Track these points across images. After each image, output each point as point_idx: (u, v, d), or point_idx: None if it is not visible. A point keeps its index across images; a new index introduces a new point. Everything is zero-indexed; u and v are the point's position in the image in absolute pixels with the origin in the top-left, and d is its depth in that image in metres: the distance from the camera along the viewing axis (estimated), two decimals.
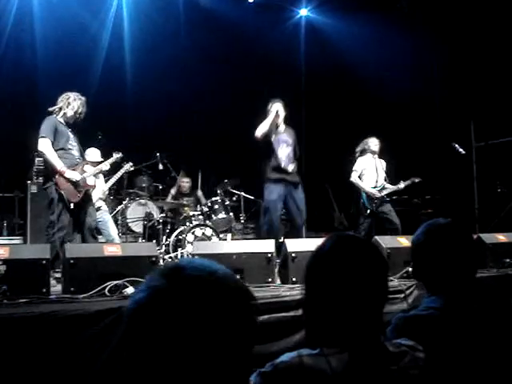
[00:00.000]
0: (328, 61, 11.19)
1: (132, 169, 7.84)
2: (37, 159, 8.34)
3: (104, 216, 7.27)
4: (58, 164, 5.86)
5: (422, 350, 1.65)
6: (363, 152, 8.27)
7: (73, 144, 6.09)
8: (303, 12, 12.51)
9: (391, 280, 5.24)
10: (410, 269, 5.07)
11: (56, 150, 5.91)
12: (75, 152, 6.11)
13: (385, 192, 8.09)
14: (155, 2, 10.44)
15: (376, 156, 8.22)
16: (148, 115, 10.33)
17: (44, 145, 5.87)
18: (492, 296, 2.11)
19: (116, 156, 6.97)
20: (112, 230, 7.27)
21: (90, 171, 6.29)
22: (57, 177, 5.86)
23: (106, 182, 7.78)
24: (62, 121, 6.05)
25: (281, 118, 7.22)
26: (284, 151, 7.19)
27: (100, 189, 7.40)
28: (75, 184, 5.93)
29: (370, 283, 1.61)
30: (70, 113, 6.04)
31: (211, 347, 1.04)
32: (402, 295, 4.87)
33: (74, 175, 5.92)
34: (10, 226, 9.21)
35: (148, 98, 10.21)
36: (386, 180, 8.22)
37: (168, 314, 1.04)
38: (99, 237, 7.08)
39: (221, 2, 10.90)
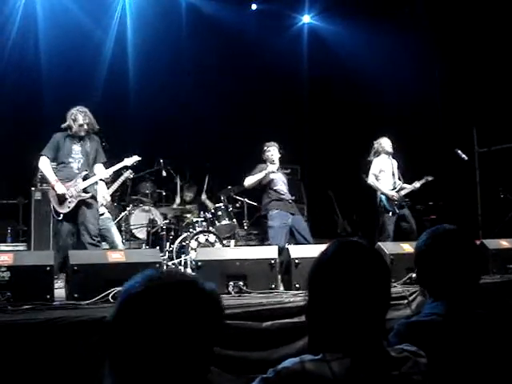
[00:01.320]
0: (331, 67, 11.20)
1: (131, 176, 7.88)
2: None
3: (107, 223, 7.27)
4: (51, 178, 6.37)
5: (425, 356, 1.65)
6: (377, 153, 8.19)
7: (75, 157, 6.48)
8: (306, 19, 12.53)
9: (394, 286, 5.25)
10: (414, 275, 5.07)
11: (59, 163, 6.46)
12: (75, 165, 6.48)
13: (403, 192, 8.05)
14: (158, 10, 10.48)
15: (390, 156, 8.18)
16: (151, 122, 10.36)
17: (41, 162, 6.42)
18: (495, 302, 2.11)
19: (125, 176, 7.64)
20: (115, 236, 7.26)
21: (84, 184, 6.50)
22: (50, 189, 6.45)
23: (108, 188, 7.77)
24: (71, 134, 6.47)
25: (276, 162, 7.64)
26: (283, 187, 7.63)
27: (100, 196, 7.40)
28: (63, 196, 6.31)
29: (373, 289, 1.61)
30: (75, 127, 6.42)
31: (176, 345, 1.22)
32: (405, 301, 4.86)
33: (59, 189, 6.30)
34: (13, 232, 9.23)
35: (151, 104, 10.23)
36: (401, 180, 8.18)
37: (140, 317, 1.22)
38: (103, 243, 7.11)
39: (223, 9, 10.94)
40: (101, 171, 6.70)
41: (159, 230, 8.45)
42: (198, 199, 9.62)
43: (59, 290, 4.88)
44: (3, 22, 9.54)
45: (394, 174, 8.13)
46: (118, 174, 7.57)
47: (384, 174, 8.12)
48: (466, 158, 8.62)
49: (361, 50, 10.78)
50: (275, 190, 7.52)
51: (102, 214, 7.25)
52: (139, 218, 8.69)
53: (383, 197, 8.02)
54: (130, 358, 1.23)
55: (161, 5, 10.58)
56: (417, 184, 8.17)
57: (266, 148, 7.66)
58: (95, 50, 10.30)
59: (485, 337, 1.98)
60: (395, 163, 8.22)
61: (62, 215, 6.30)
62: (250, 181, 7.56)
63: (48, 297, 4.34)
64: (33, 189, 8.36)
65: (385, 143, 8.16)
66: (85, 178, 6.45)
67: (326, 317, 1.62)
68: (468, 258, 2.14)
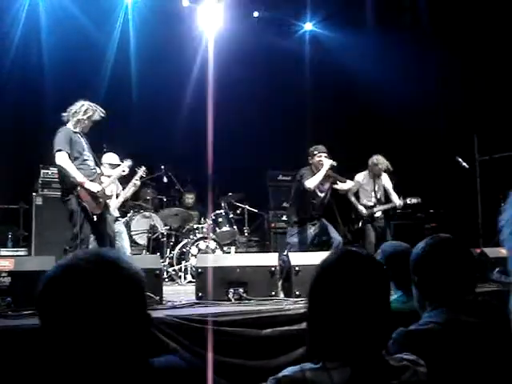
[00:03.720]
0: (332, 75, 11.23)
1: (145, 174, 7.74)
2: (42, 171, 8.39)
3: (120, 227, 7.22)
4: (78, 176, 5.78)
5: (424, 365, 1.66)
6: (367, 168, 8.37)
7: (88, 154, 6.02)
8: (308, 26, 12.57)
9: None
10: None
11: (73, 161, 5.82)
12: (90, 162, 6.05)
13: (375, 210, 8.24)
14: (160, 16, 10.52)
15: (377, 172, 8.25)
16: (153, 128, 10.37)
17: (61, 158, 5.75)
18: (492, 310, 2.12)
19: (127, 163, 6.92)
20: (125, 241, 7.23)
21: (106, 182, 6.29)
22: (79, 189, 5.79)
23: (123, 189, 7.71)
24: (77, 130, 5.97)
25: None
26: (318, 199, 7.45)
27: (117, 200, 7.42)
28: (95, 195, 5.90)
29: (373, 298, 1.62)
30: (86, 121, 5.95)
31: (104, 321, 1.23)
32: None
33: (94, 186, 5.87)
34: (14, 237, 9.23)
35: (153, 110, 10.25)
36: (382, 198, 8.33)
37: (59, 297, 1.24)
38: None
39: (225, 16, 10.97)
40: (107, 170, 6.64)
41: (160, 236, 8.45)
42: (198, 205, 9.63)
43: None
44: (7, 26, 9.55)
45: (375, 191, 8.26)
46: (130, 175, 7.53)
47: (363, 189, 8.39)
48: (467, 166, 8.63)
49: (362, 58, 10.81)
50: (307, 202, 7.44)
51: (117, 218, 7.24)
52: (140, 224, 8.69)
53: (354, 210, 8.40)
54: (60, 347, 1.26)
55: (163, 11, 10.62)
56: (397, 203, 8.25)
57: (316, 152, 7.34)
58: (98, 55, 10.31)
59: (483, 345, 1.98)
60: (386, 180, 8.28)
61: (95, 217, 5.87)
62: (313, 182, 7.16)
63: None
64: (34, 194, 8.36)
65: (377, 163, 8.24)
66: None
67: (326, 325, 1.63)
68: (464, 266, 2.16)
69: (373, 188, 8.29)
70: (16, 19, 9.69)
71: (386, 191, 8.35)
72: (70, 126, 5.95)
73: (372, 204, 8.28)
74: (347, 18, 11.23)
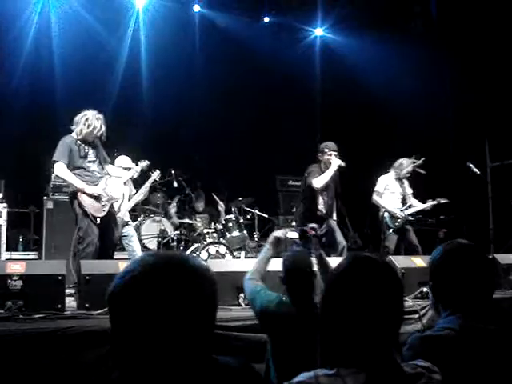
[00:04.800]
0: (343, 80, 11.22)
1: (159, 177, 7.76)
2: (53, 175, 8.43)
3: (130, 231, 7.24)
4: (77, 182, 5.93)
5: (439, 372, 1.65)
6: (391, 170, 8.15)
7: (92, 160, 6.13)
8: (318, 32, 12.57)
9: (405, 300, 5.22)
10: (425, 289, 5.06)
11: (75, 168, 5.99)
12: (95, 167, 6.15)
13: (409, 211, 7.95)
14: (171, 22, 10.56)
15: (402, 176, 8.12)
16: (163, 132, 10.41)
17: (58, 169, 5.95)
18: (507, 317, 2.11)
19: (142, 164, 6.99)
20: (136, 245, 7.23)
21: (114, 183, 6.39)
22: (79, 194, 5.93)
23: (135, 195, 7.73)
24: (80, 138, 6.06)
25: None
26: (324, 199, 7.25)
27: (129, 203, 7.43)
28: (98, 198, 6.00)
29: (386, 304, 1.61)
30: (88, 131, 6.02)
31: (179, 319, 1.27)
32: (417, 315, 4.85)
33: (94, 189, 5.97)
34: (25, 241, 9.27)
35: (163, 114, 10.28)
36: (410, 199, 8.12)
37: (141, 294, 1.27)
38: (122, 252, 7.19)
39: (236, 21, 11.02)
40: (118, 171, 6.68)
41: (170, 241, 8.46)
42: (208, 209, 9.65)
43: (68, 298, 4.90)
44: (19, 31, 9.63)
45: (402, 192, 8.10)
46: (144, 178, 7.58)
47: (389, 191, 8.07)
48: (479, 172, 8.57)
49: (372, 63, 10.79)
50: (315, 203, 7.24)
51: (128, 222, 7.26)
52: (150, 229, 8.70)
53: (386, 214, 8.00)
54: (131, 344, 1.28)
55: (174, 17, 10.67)
56: (427, 205, 8.06)
57: (326, 150, 7.15)
58: (109, 60, 10.38)
59: (498, 353, 1.97)
60: (406, 182, 8.16)
61: (98, 220, 5.94)
62: (321, 181, 7.01)
63: (59, 306, 4.36)
64: (45, 198, 8.40)
65: (403, 165, 8.05)
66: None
67: (339, 331, 1.62)
68: (481, 272, 2.14)
69: (400, 190, 8.07)
70: (28, 24, 9.75)
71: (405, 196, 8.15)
72: (73, 134, 6.09)
73: (406, 206, 7.99)
74: (357, 23, 11.22)
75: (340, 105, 11.55)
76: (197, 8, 11.32)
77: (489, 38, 9.72)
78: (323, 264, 3.74)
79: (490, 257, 6.54)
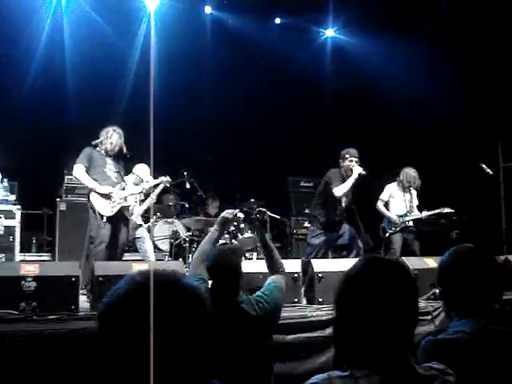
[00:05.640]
0: (354, 81, 11.19)
1: (169, 182, 7.77)
2: (66, 177, 8.49)
3: (143, 233, 7.41)
4: (90, 183, 6.34)
5: (453, 374, 1.65)
6: (395, 179, 8.31)
7: (111, 168, 6.56)
8: (329, 33, 12.55)
9: (418, 301, 5.21)
10: (437, 290, 5.04)
11: (93, 174, 6.41)
12: (112, 175, 6.56)
13: (407, 219, 8.12)
14: (183, 24, 10.57)
15: (406, 186, 8.20)
16: (175, 134, 10.42)
17: (76, 170, 6.39)
18: None
19: (162, 179, 7.36)
20: (149, 247, 7.37)
21: (130, 191, 6.71)
22: (91, 194, 6.33)
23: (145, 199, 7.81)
24: (102, 151, 6.56)
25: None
26: (342, 204, 7.26)
27: (141, 207, 7.53)
28: (108, 198, 6.34)
29: (400, 305, 1.61)
30: (109, 146, 6.53)
31: (173, 338, 1.21)
32: (429, 317, 4.85)
33: (105, 189, 6.34)
34: (38, 242, 9.33)
35: (175, 117, 10.28)
36: (413, 209, 8.21)
37: (125, 314, 1.22)
38: (135, 253, 7.26)
39: (247, 23, 11.02)
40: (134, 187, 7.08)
41: (182, 242, 8.47)
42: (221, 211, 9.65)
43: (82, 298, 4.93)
44: (31, 34, 9.68)
45: (407, 201, 8.19)
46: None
47: (394, 200, 8.27)
48: (491, 173, 8.53)
49: (384, 64, 10.76)
50: (333, 209, 7.26)
51: (141, 225, 7.39)
52: (162, 230, 8.74)
53: (386, 220, 8.25)
54: (120, 364, 1.21)
55: (186, 19, 10.68)
56: (428, 213, 8.19)
57: (347, 156, 7.09)
58: (120, 62, 10.40)
59: (511, 355, 1.96)
60: (414, 192, 8.23)
61: (105, 218, 6.28)
62: (341, 190, 6.96)
63: (73, 307, 4.39)
64: (58, 200, 8.46)
65: (407, 176, 8.17)
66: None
67: (353, 333, 1.62)
68: (489, 275, 2.16)
69: (404, 198, 8.21)
70: (39, 28, 9.81)
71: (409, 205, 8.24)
72: (95, 147, 6.60)
73: (404, 213, 8.16)
74: (369, 23, 11.19)
75: (352, 105, 11.52)
76: (208, 10, 11.35)
77: (501, 38, 9.67)
78: (268, 248, 3.78)
79: (503, 257, 6.52)
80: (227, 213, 3.90)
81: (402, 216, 8.13)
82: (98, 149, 6.56)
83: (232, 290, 3.28)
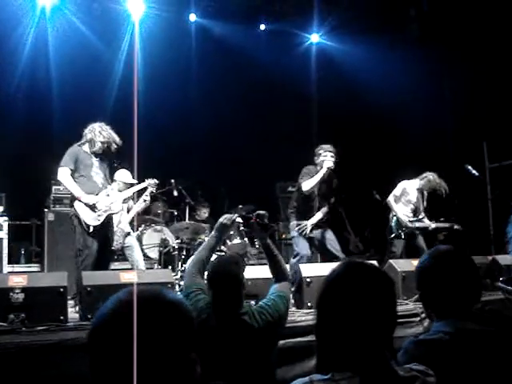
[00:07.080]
0: (340, 86, 11.25)
1: (156, 184, 7.68)
2: (54, 187, 8.46)
3: (132, 241, 7.29)
4: (76, 191, 6.05)
5: (433, 375, 1.67)
6: (418, 178, 8.14)
7: (97, 171, 6.28)
8: (314, 38, 12.62)
9: (406, 304, 5.25)
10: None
11: (78, 177, 6.12)
12: (98, 179, 6.29)
13: (417, 225, 7.99)
14: (167, 32, 10.59)
15: (422, 188, 8.11)
16: (162, 142, 10.42)
17: (61, 174, 6.07)
18: (500, 319, 2.13)
19: (149, 182, 7.19)
20: (138, 255, 7.27)
21: (114, 197, 6.46)
22: (75, 203, 6.06)
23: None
24: (88, 150, 6.24)
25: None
26: (316, 203, 7.00)
27: (128, 215, 7.48)
28: (93, 208, 6.08)
29: (379, 309, 1.64)
30: (98, 143, 6.22)
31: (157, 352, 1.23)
32: (418, 318, 4.87)
33: (90, 199, 6.07)
34: (27, 253, 9.30)
35: (161, 125, 10.29)
36: (421, 213, 8.13)
37: (112, 333, 1.24)
38: (124, 262, 7.20)
39: (232, 29, 11.05)
40: (124, 193, 6.85)
41: (171, 250, 8.46)
42: (211, 218, 9.65)
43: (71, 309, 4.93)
44: (15, 43, 9.67)
45: (417, 203, 8.09)
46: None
47: (405, 198, 8.05)
48: (477, 174, 8.58)
49: (369, 69, 10.82)
50: (309, 206, 6.97)
51: (129, 233, 7.30)
52: (151, 238, 8.71)
53: (394, 218, 8.00)
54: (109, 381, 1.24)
55: (170, 27, 10.71)
56: (439, 225, 8.17)
57: (321, 152, 6.88)
58: (105, 71, 10.40)
59: (492, 355, 1.99)
60: (426, 196, 8.17)
61: (92, 228, 6.02)
62: (309, 184, 6.70)
63: (62, 318, 4.39)
64: (46, 210, 8.43)
65: (430, 180, 8.01)
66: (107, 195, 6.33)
67: (334, 336, 1.65)
68: (466, 276, 2.17)
69: (416, 201, 8.07)
70: (24, 36, 9.79)
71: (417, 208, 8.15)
72: (82, 145, 6.27)
73: (412, 218, 8.01)
74: (354, 28, 11.25)
75: (338, 110, 11.58)
76: (193, 17, 11.38)
77: (486, 41, 9.75)
78: (270, 254, 3.55)
79: (491, 258, 6.60)
80: (225, 218, 3.71)
81: (412, 221, 7.95)
82: (84, 148, 6.24)
83: (234, 302, 3.14)
